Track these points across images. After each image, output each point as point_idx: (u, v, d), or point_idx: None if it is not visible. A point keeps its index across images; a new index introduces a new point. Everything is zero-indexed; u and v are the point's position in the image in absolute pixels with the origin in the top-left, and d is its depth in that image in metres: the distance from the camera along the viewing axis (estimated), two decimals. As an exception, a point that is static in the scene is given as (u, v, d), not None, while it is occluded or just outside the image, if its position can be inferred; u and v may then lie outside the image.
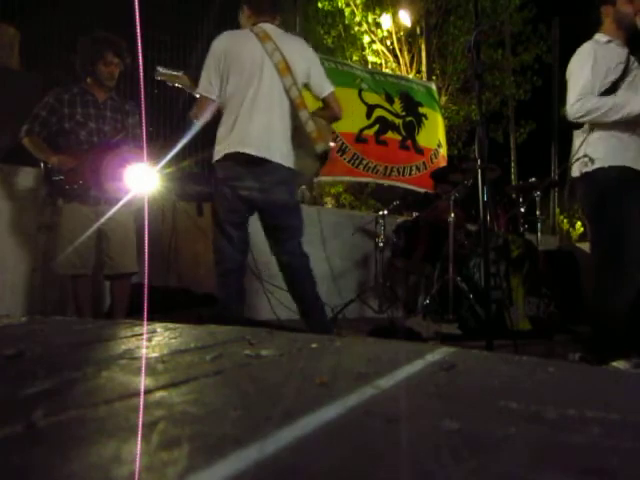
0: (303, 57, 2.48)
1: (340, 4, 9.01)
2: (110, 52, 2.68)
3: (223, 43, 2.37)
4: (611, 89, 2.25)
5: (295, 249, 2.50)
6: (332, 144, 2.58)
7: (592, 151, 2.31)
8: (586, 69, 2.27)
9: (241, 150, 2.29)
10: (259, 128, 2.32)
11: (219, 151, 2.34)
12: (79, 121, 2.67)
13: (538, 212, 3.74)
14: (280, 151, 2.36)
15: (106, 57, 2.68)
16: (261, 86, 2.34)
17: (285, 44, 2.41)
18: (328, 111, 2.53)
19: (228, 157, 2.31)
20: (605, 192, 2.28)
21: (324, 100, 2.51)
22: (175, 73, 2.46)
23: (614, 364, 2.08)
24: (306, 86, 2.48)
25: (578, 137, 2.40)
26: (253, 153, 2.29)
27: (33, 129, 2.66)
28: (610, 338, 2.22)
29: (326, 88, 2.50)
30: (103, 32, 2.76)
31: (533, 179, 3.77)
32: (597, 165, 2.28)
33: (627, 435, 0.48)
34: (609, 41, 2.34)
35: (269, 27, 2.43)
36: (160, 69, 2.43)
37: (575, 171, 2.39)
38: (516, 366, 0.82)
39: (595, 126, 2.31)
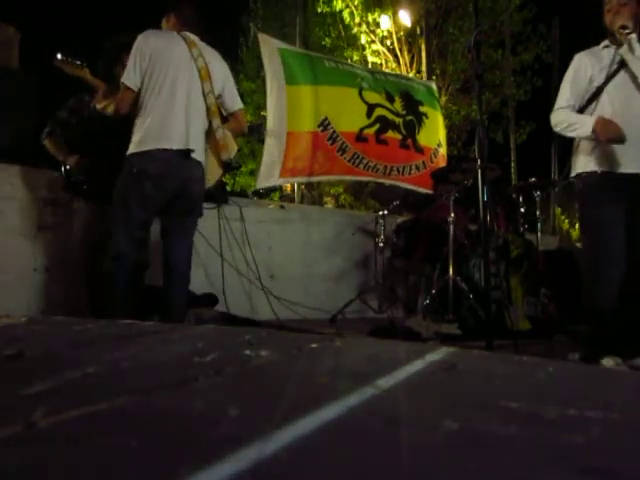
0: (221, 70, 2.62)
1: (339, 6, 9.00)
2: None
3: (151, 40, 2.44)
4: (596, 93, 2.35)
5: (183, 253, 2.53)
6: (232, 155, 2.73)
7: (575, 158, 2.44)
8: (567, 81, 2.44)
9: (165, 146, 2.35)
10: (183, 126, 2.40)
11: (139, 145, 2.36)
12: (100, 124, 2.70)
13: (538, 212, 3.74)
14: (198, 150, 2.46)
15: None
16: (185, 87, 2.44)
17: (207, 53, 2.55)
18: (236, 124, 2.70)
19: (153, 151, 2.35)
20: (582, 197, 2.40)
21: (234, 114, 2.68)
22: (77, 63, 2.53)
23: (603, 362, 2.11)
24: (218, 98, 2.59)
25: (575, 140, 2.50)
26: (178, 147, 2.37)
27: (54, 131, 2.71)
28: (600, 337, 2.25)
29: (237, 103, 2.69)
30: (125, 35, 2.78)
31: (533, 179, 3.77)
32: (576, 171, 2.41)
33: (627, 435, 0.48)
34: (605, 46, 2.43)
35: (194, 36, 2.56)
36: (59, 56, 2.49)
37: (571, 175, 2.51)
38: (516, 366, 0.82)
39: None
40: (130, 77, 2.39)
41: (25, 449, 0.40)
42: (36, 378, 0.60)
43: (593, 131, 2.24)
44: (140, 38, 2.43)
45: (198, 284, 3.41)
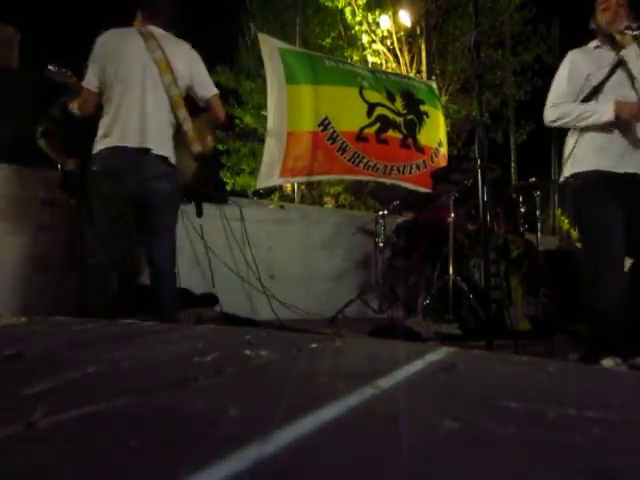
0: (186, 59, 2.52)
1: (341, 4, 9.00)
2: None
3: (106, 39, 2.44)
4: (593, 92, 2.31)
5: (165, 252, 2.45)
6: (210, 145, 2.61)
7: (571, 157, 2.38)
8: (563, 76, 2.39)
9: (122, 144, 2.33)
10: (138, 121, 2.36)
11: (99, 143, 2.37)
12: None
13: (538, 212, 3.74)
14: (160, 145, 2.39)
15: None
16: (140, 81, 2.40)
17: (168, 45, 2.47)
18: (211, 113, 2.56)
19: (107, 150, 2.34)
20: (580, 196, 2.35)
21: (207, 102, 2.54)
22: (64, 71, 2.59)
23: (602, 362, 2.10)
24: (190, 89, 2.51)
25: (567, 141, 2.47)
26: (134, 145, 2.33)
27: (48, 130, 2.70)
28: (600, 337, 2.24)
29: (209, 90, 2.55)
30: None
31: (533, 179, 3.77)
32: (573, 171, 2.36)
33: (627, 435, 0.48)
34: (597, 47, 2.41)
35: (156, 29, 2.50)
36: (50, 67, 2.57)
37: (561, 177, 2.47)
38: (516, 366, 0.82)
39: (575, 131, 2.38)
40: (88, 79, 2.42)
41: (25, 449, 0.40)
42: (36, 378, 0.60)
43: (616, 116, 2.20)
44: (97, 40, 2.44)
45: (198, 283, 3.42)
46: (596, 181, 2.29)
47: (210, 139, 2.62)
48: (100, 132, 2.38)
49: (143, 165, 2.36)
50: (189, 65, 2.51)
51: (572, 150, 2.38)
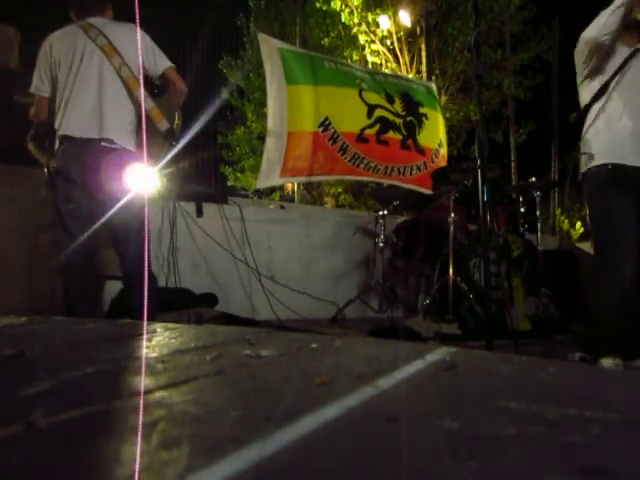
0: (131, 39, 2.43)
1: (337, 6, 8.99)
2: None
3: (49, 40, 2.44)
4: (602, 89, 2.28)
5: (131, 256, 2.34)
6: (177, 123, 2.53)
7: (589, 149, 2.32)
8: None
9: (70, 134, 2.31)
10: (87, 111, 2.32)
11: (56, 141, 2.36)
12: None
13: (538, 212, 3.74)
14: (115, 132, 2.34)
15: None
16: (87, 71, 2.36)
17: (110, 29, 2.43)
18: (171, 87, 2.49)
19: (60, 147, 2.33)
20: (598, 190, 2.30)
21: (164, 76, 2.48)
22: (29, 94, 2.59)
23: (602, 361, 2.06)
24: (143, 67, 2.43)
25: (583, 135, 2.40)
26: (82, 136, 2.30)
27: (37, 134, 2.71)
28: (605, 336, 2.21)
29: (162, 64, 2.48)
30: None
31: (533, 179, 3.77)
32: (592, 164, 2.30)
33: (627, 435, 0.48)
34: None
35: (95, 19, 2.47)
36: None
37: (580, 171, 2.40)
38: (516, 366, 0.82)
39: (593, 123, 2.32)
40: (36, 85, 2.43)
41: (25, 449, 0.40)
42: (36, 378, 0.60)
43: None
44: (42, 44, 2.44)
45: (199, 283, 3.41)
46: (609, 175, 2.22)
47: (178, 116, 2.54)
48: (56, 132, 2.37)
49: (88, 156, 2.30)
50: (134, 45, 2.42)
51: (584, 145, 2.31)
